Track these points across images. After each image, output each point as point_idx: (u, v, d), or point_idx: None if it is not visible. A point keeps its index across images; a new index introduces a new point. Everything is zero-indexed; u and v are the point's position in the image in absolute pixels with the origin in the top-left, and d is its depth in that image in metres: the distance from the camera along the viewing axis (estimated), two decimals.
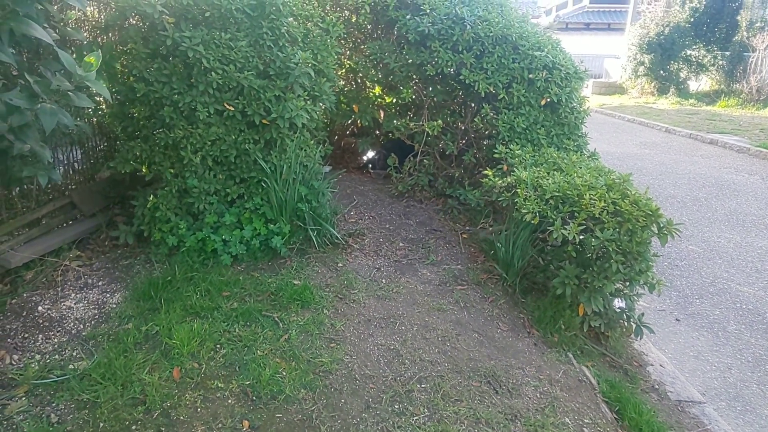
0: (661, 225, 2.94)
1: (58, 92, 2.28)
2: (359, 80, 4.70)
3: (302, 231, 3.42)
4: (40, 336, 2.60)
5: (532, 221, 2.98)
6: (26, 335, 2.60)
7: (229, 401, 2.19)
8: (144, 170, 3.31)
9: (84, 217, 3.61)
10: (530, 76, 3.83)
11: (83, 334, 2.62)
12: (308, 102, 3.36)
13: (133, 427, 2.05)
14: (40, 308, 2.83)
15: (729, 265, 4.85)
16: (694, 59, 15.26)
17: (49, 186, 3.61)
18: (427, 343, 2.69)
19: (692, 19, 14.85)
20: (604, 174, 3.30)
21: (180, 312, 2.73)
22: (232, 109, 3.17)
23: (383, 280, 3.23)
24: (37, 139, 2.36)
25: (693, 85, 15.82)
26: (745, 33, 13.98)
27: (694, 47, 15.14)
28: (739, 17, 14.27)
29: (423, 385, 2.39)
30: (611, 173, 3.35)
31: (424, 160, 4.36)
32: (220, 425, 2.07)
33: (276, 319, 2.73)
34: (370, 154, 5.23)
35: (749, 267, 4.83)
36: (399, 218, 4.08)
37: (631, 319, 3.24)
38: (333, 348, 2.57)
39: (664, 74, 15.56)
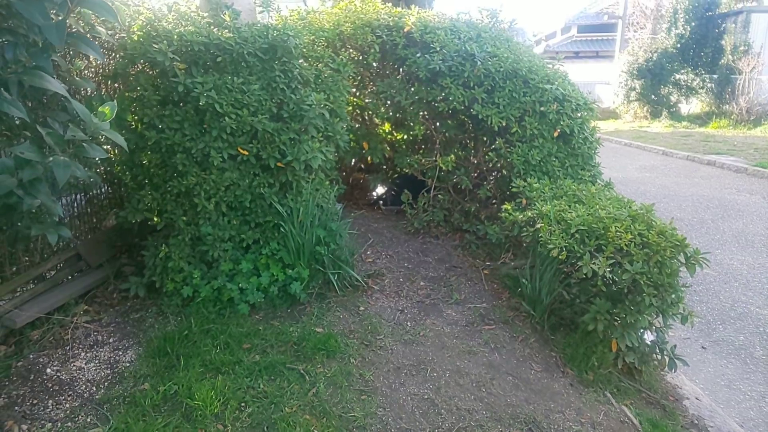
0: (689, 255, 2.87)
1: (71, 144, 2.22)
2: (367, 117, 4.69)
3: (321, 275, 3.32)
4: (50, 402, 2.44)
5: (560, 256, 2.89)
6: (35, 401, 2.43)
7: None
8: (155, 219, 3.21)
9: (90, 269, 3.48)
10: (542, 108, 3.84)
11: (96, 397, 2.46)
12: (323, 143, 3.32)
13: None
14: (48, 370, 2.66)
15: (746, 288, 4.76)
16: (683, 83, 15.62)
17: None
18: (461, 390, 2.55)
19: (679, 45, 15.30)
20: (626, 205, 3.24)
21: (199, 368, 2.59)
22: (246, 153, 3.12)
23: (408, 323, 3.11)
24: (48, 193, 2.27)
25: (684, 108, 16.14)
26: (730, 56, 14.39)
27: (683, 71, 15.53)
28: (723, 42, 14.72)
29: None
30: (632, 203, 3.30)
31: (438, 195, 4.31)
32: None
33: (302, 371, 2.59)
34: (380, 190, 5.18)
35: (766, 289, 4.75)
36: (417, 256, 3.99)
37: (664, 352, 3.12)
38: (364, 400, 2.43)
39: (655, 98, 15.89)
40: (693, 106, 15.94)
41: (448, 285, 3.61)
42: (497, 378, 2.68)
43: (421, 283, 3.61)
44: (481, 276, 3.76)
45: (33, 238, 2.68)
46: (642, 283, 2.69)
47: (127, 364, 2.70)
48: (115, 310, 3.24)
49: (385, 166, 4.96)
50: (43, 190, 2.22)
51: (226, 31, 3.19)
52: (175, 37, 3.01)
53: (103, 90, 3.43)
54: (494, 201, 4.29)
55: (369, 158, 4.66)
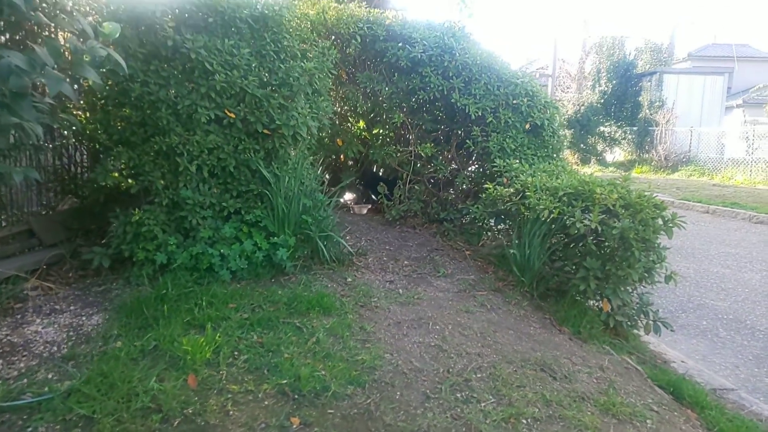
0: (666, 218, 3.06)
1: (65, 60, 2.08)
2: (340, 115, 4.73)
3: (306, 246, 3.16)
4: (0, 362, 2.08)
5: (551, 215, 2.97)
6: None
7: (266, 402, 1.83)
8: (130, 182, 2.97)
9: (43, 248, 3.13)
10: (514, 102, 4.07)
11: (58, 355, 2.13)
12: (309, 112, 3.28)
13: None
14: None
15: (697, 286, 5.10)
16: (607, 134, 17.29)
17: (4, 210, 3.14)
18: (467, 339, 2.47)
19: (602, 101, 17.09)
20: (599, 179, 3.44)
21: (181, 326, 2.32)
22: (233, 116, 3.01)
23: (400, 290, 3.01)
24: (33, 113, 2.07)
25: (609, 157, 17.74)
26: (647, 111, 16.23)
27: (607, 124, 17.24)
28: (640, 98, 16.63)
29: (479, 375, 2.15)
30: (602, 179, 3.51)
31: (415, 187, 4.34)
32: (263, 425, 1.70)
33: (297, 324, 2.40)
34: (348, 196, 5.16)
35: (715, 287, 5.11)
36: (397, 241, 3.94)
37: (650, 315, 3.21)
38: (369, 348, 2.27)
39: (584, 147, 17.39)
40: (617, 155, 17.58)
41: (433, 262, 3.56)
42: (499, 331, 2.63)
43: (405, 262, 3.54)
44: (464, 255, 3.76)
45: None
46: (630, 237, 2.81)
47: (93, 326, 2.38)
48: (71, 287, 2.87)
49: (354, 164, 4.94)
50: (27, 106, 2.01)
51: None
52: None
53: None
54: (469, 196, 4.38)
55: (342, 156, 4.66)
